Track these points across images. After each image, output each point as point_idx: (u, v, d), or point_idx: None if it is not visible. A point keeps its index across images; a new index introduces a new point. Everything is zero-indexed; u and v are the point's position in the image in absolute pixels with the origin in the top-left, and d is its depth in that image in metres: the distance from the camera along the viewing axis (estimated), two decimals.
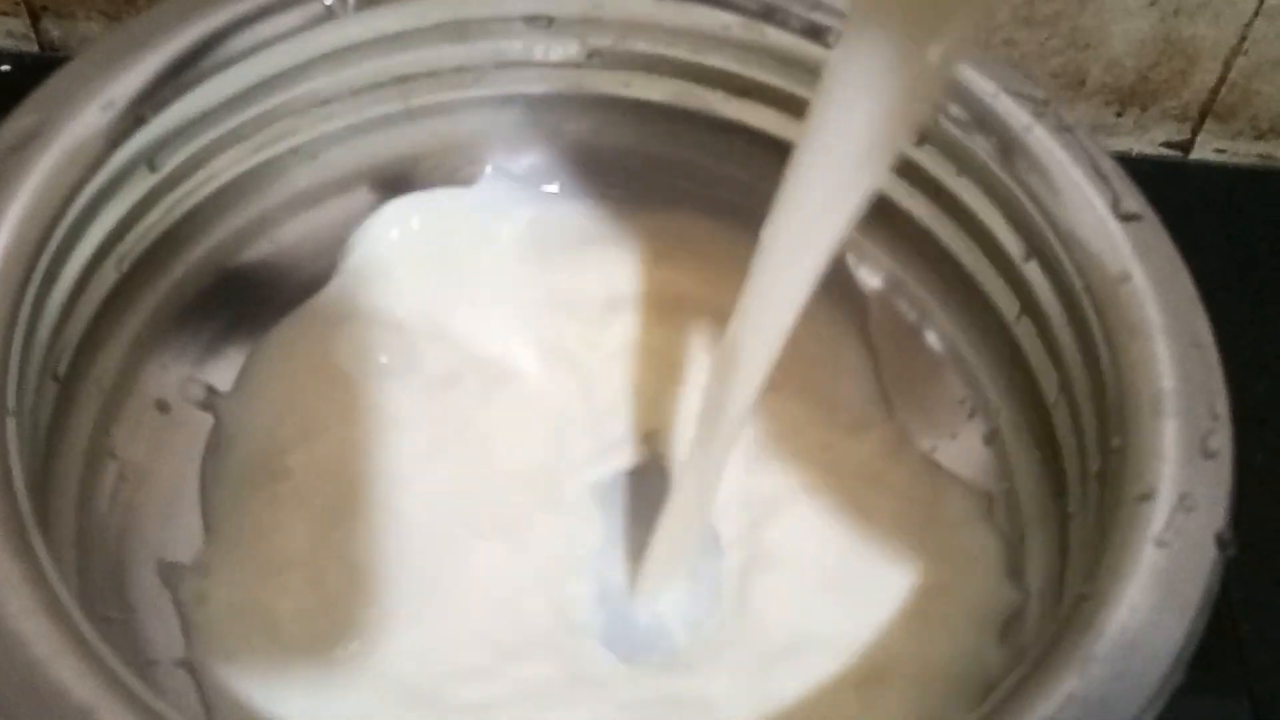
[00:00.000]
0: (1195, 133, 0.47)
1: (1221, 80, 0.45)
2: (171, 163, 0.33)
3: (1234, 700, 0.34)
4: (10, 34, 0.46)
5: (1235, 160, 0.48)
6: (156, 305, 0.34)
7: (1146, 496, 0.26)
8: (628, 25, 0.36)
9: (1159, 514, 0.26)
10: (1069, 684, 0.23)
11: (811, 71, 0.35)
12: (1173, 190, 0.32)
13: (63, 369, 0.31)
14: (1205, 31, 0.43)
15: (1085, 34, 0.43)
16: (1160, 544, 0.25)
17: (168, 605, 0.31)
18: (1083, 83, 0.45)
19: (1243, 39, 0.43)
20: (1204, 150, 0.47)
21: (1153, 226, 0.30)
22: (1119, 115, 0.46)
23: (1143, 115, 0.46)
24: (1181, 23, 0.43)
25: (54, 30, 0.46)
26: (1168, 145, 0.47)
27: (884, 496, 0.35)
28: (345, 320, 0.36)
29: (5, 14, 0.45)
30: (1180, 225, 0.30)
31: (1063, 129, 0.31)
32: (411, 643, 0.31)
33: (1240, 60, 0.44)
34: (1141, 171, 0.32)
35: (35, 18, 0.45)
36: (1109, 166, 0.30)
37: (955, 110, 0.33)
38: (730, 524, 0.34)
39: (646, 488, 0.35)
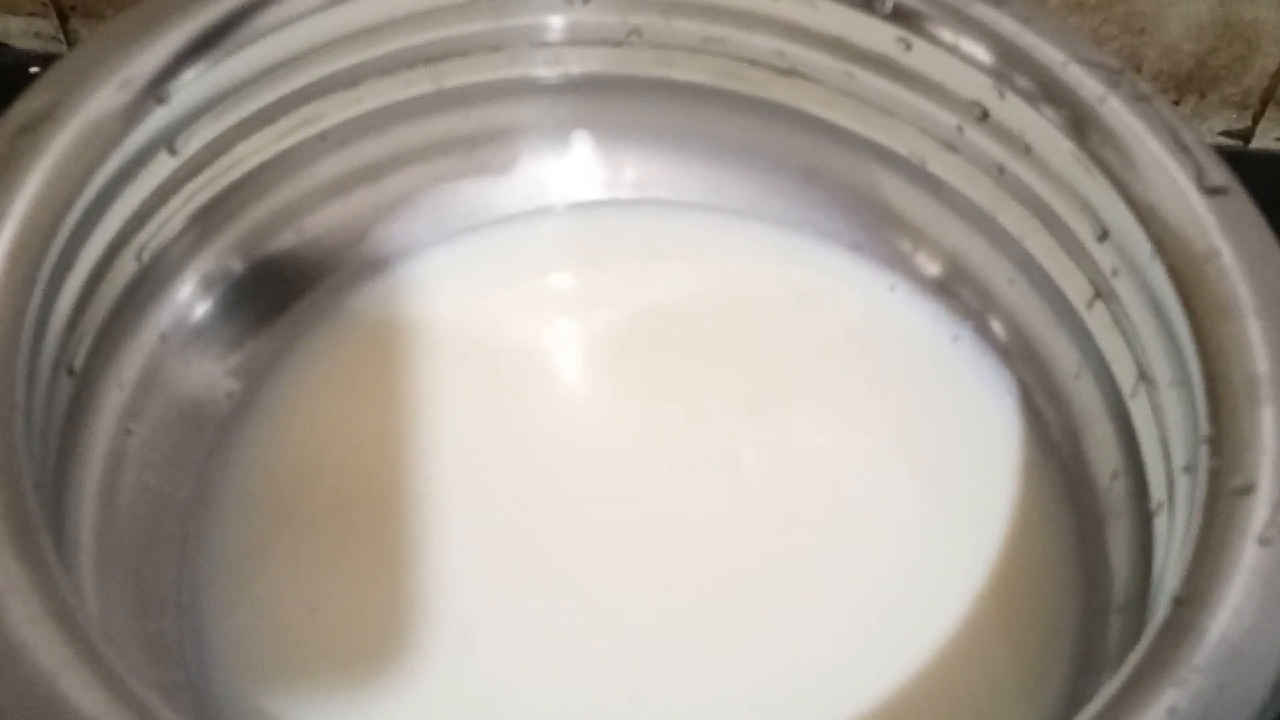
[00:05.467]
0: (1256, 120, 0.45)
1: None
2: (192, 147, 0.31)
3: None
4: (39, 35, 0.45)
5: None
6: (179, 298, 0.33)
7: (1246, 490, 0.24)
8: (670, 1, 0.35)
9: (1260, 509, 0.24)
10: (1169, 697, 0.22)
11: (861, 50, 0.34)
12: None
13: (79, 363, 0.29)
14: (1266, 14, 0.42)
15: (1140, 18, 0.42)
16: (1264, 542, 0.23)
17: (192, 617, 0.30)
18: (1138, 69, 0.43)
19: None
20: (1265, 139, 0.46)
21: (1240, 200, 0.28)
22: (1176, 103, 0.45)
23: (1201, 103, 0.45)
24: (1241, 5, 0.41)
25: (83, 30, 0.45)
26: (1227, 134, 0.46)
27: None
28: (384, 327, 0.35)
29: (33, 14, 0.45)
30: None
31: (1140, 98, 0.29)
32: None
33: None
34: None
35: (64, 18, 0.45)
36: (1191, 138, 0.29)
37: (1021, 82, 0.31)
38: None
39: (713, 506, 0.33)
